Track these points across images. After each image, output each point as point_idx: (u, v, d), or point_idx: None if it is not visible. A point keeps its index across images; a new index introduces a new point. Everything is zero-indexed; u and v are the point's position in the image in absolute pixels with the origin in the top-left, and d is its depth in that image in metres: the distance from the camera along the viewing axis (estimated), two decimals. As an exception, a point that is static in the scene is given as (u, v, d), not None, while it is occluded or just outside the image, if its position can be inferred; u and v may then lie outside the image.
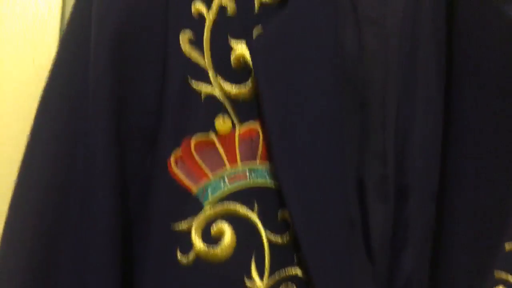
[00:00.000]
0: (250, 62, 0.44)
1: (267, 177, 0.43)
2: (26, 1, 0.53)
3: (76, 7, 0.44)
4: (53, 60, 0.44)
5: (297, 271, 0.42)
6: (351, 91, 0.47)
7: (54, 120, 0.42)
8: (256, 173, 0.43)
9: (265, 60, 0.41)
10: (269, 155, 0.43)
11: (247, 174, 0.43)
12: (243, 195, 0.42)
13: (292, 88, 0.41)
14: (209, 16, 0.44)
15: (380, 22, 0.49)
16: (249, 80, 0.44)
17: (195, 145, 0.42)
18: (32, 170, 0.43)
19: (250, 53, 0.41)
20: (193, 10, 0.44)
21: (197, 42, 0.43)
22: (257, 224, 0.42)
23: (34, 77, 0.53)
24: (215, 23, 0.44)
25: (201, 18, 0.44)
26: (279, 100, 0.41)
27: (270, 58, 0.41)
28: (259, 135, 0.44)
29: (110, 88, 0.40)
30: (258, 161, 0.43)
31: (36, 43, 0.54)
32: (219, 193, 0.42)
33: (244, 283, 0.41)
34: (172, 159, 0.42)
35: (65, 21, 0.51)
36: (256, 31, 0.45)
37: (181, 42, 0.43)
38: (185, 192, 0.42)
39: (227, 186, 0.42)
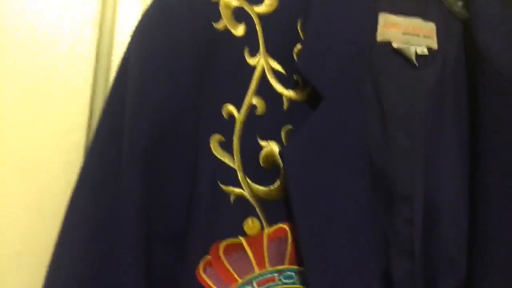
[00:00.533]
0: (279, 161, 0.44)
1: (295, 279, 0.42)
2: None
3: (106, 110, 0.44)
4: (86, 154, 0.43)
5: None
6: (379, 187, 0.47)
7: (82, 225, 0.42)
8: (284, 275, 0.43)
9: (295, 164, 0.41)
10: (298, 257, 0.42)
11: (276, 277, 0.42)
12: (272, 299, 0.42)
13: (322, 191, 0.41)
14: (240, 117, 0.44)
15: (405, 118, 0.49)
16: (278, 181, 0.44)
17: (224, 249, 0.42)
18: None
19: (281, 158, 0.41)
20: (224, 111, 0.44)
21: (227, 144, 0.43)
22: None
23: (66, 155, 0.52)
24: (245, 123, 0.44)
25: (231, 119, 0.44)
26: (309, 203, 0.41)
27: (301, 162, 0.41)
28: (287, 236, 0.43)
29: (140, 199, 0.40)
30: (286, 262, 0.43)
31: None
32: (248, 298, 0.42)
33: None
34: (201, 265, 0.41)
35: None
36: (285, 130, 0.45)
37: (211, 145, 0.43)
38: (214, 298, 0.41)
39: (256, 290, 0.42)
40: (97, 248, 0.40)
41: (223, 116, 0.44)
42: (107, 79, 0.51)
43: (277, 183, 0.44)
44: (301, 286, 0.42)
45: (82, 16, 0.50)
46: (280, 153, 0.41)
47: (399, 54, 0.53)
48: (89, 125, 0.50)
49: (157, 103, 0.41)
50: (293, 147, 0.41)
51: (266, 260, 0.42)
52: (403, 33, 0.54)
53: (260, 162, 0.44)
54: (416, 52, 0.54)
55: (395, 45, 0.53)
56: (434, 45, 0.55)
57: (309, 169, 0.41)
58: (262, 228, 0.43)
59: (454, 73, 0.55)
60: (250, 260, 0.42)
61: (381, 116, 0.51)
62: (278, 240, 0.43)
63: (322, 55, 0.43)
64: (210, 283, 0.41)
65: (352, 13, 0.46)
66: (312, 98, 0.45)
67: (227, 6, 0.45)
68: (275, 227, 0.43)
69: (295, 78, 0.46)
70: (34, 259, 0.46)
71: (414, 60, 0.53)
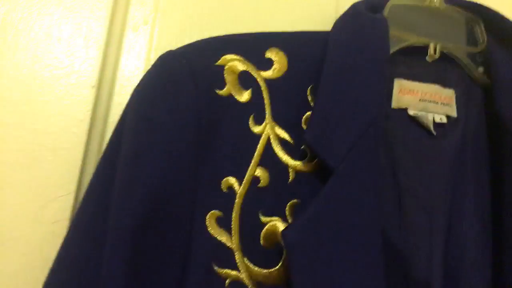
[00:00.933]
0: (282, 241, 0.39)
1: None
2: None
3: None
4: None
5: None
6: (394, 271, 0.42)
7: None
8: None
9: (299, 249, 0.36)
10: None
11: None
12: None
13: (329, 281, 0.36)
14: (241, 190, 0.40)
15: (422, 193, 0.45)
16: (280, 262, 0.39)
17: None
18: None
19: (284, 240, 0.36)
20: (223, 185, 0.40)
21: (225, 221, 0.39)
22: None
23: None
24: (246, 197, 0.40)
25: (231, 192, 0.40)
26: None
27: (305, 247, 0.36)
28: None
29: (122, 285, 0.36)
30: None
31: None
32: None
33: None
34: None
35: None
36: (290, 205, 0.41)
37: (207, 222, 0.39)
38: None
39: None
40: None
41: (222, 189, 0.40)
42: (100, 143, 0.48)
43: (278, 266, 0.39)
44: None
45: (81, 76, 0.48)
46: (282, 234, 0.36)
47: (416, 121, 0.50)
48: (77, 193, 0.47)
49: (148, 178, 0.37)
50: (297, 228, 0.37)
51: None
52: (420, 100, 0.51)
53: (261, 241, 0.39)
54: (434, 120, 0.51)
55: (411, 112, 0.50)
56: (453, 113, 0.51)
57: (314, 255, 0.36)
58: (261, 317, 0.38)
59: (475, 142, 0.51)
60: None
61: (396, 191, 0.47)
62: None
63: (332, 126, 0.40)
64: None
65: (365, 80, 0.43)
66: (321, 170, 0.41)
67: (233, 71, 0.42)
68: (275, 317, 0.38)
69: (302, 148, 0.42)
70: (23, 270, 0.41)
71: (432, 129, 0.49)
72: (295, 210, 0.41)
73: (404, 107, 0.50)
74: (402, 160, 0.48)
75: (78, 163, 0.45)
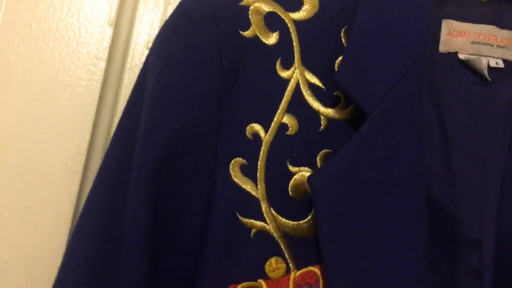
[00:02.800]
0: (308, 188, 0.37)
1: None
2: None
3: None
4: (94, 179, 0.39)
5: None
6: (439, 229, 0.38)
7: (85, 252, 0.37)
8: (313, 329, 0.35)
9: (328, 196, 0.33)
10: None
11: (302, 331, 0.35)
12: None
13: (362, 232, 0.33)
14: (267, 138, 0.38)
15: (474, 145, 0.40)
16: (310, 216, 0.37)
17: (241, 294, 0.36)
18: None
19: (310, 187, 0.34)
20: (248, 131, 0.38)
21: (250, 169, 0.37)
22: None
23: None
24: (273, 145, 0.38)
25: (257, 140, 0.38)
26: (344, 246, 0.33)
27: (335, 194, 0.33)
28: (319, 282, 0.36)
29: (146, 231, 0.35)
30: (316, 313, 0.35)
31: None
32: None
33: None
34: None
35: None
36: (321, 154, 0.38)
37: (231, 170, 0.37)
38: None
39: None
40: (97, 284, 0.35)
41: (247, 136, 0.38)
42: (118, 82, 0.47)
43: (308, 217, 0.37)
44: None
45: (100, 16, 0.47)
46: (308, 180, 0.34)
47: (467, 67, 0.45)
48: (93, 131, 0.46)
49: (168, 122, 0.36)
50: (326, 174, 0.34)
51: (292, 309, 0.35)
52: (472, 42, 0.45)
53: (289, 192, 0.37)
54: (488, 65, 0.45)
55: (461, 56, 0.45)
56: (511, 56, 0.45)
57: (345, 204, 0.33)
58: (288, 270, 0.36)
59: None
60: (272, 309, 0.35)
61: (444, 142, 0.42)
62: (307, 286, 0.36)
63: (368, 66, 0.36)
64: (224, 328, 0.35)
65: (407, 19, 0.38)
66: (357, 117, 0.38)
67: (258, 11, 0.39)
68: (304, 270, 0.36)
69: (336, 94, 0.39)
70: (21, 268, 0.42)
71: (486, 74, 0.44)
72: (326, 159, 0.38)
73: (453, 50, 0.45)
74: (451, 108, 0.43)
75: (94, 102, 0.45)
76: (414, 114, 0.37)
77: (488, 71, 0.44)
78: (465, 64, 0.44)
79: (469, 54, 0.45)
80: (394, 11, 0.39)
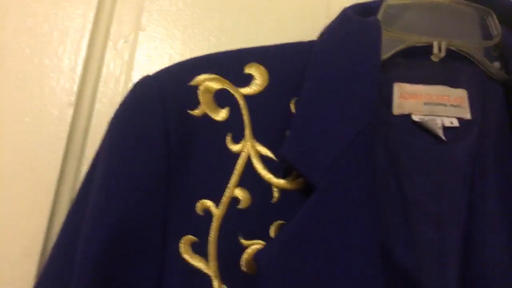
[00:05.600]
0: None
1: None
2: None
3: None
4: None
5: None
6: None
7: None
8: None
9: (275, 275, 0.33)
10: None
11: None
12: None
13: None
14: (218, 213, 0.38)
15: (432, 206, 0.41)
16: (263, 289, 0.37)
17: None
18: None
19: (257, 266, 0.34)
20: (198, 208, 0.39)
21: (201, 246, 0.37)
22: None
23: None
24: (225, 220, 0.38)
25: (208, 216, 0.38)
26: None
27: (282, 272, 0.33)
28: None
29: None
30: None
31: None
32: None
33: None
34: None
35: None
36: (275, 226, 0.38)
37: (181, 248, 0.37)
38: None
39: None
40: None
41: (197, 213, 0.38)
42: (78, 164, 0.48)
43: (264, 292, 0.37)
44: None
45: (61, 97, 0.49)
46: (255, 257, 0.34)
47: (422, 128, 0.45)
48: (52, 213, 0.47)
49: (115, 208, 0.36)
50: (272, 249, 0.34)
51: None
52: (425, 103, 0.46)
53: (242, 267, 0.37)
54: (443, 124, 0.46)
55: (415, 117, 0.46)
56: (466, 115, 0.46)
57: (292, 280, 0.33)
58: None
59: (500, 143, 0.45)
60: None
61: (402, 205, 0.42)
62: None
63: (314, 138, 0.37)
64: None
65: (353, 89, 0.40)
66: (309, 187, 0.38)
67: (208, 90, 0.41)
68: None
69: (286, 165, 0.40)
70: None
71: (441, 134, 0.45)
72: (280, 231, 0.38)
73: (407, 112, 0.46)
74: (408, 170, 0.43)
75: (54, 184, 0.46)
76: (363, 182, 0.37)
77: (444, 131, 0.45)
78: (420, 125, 0.45)
79: (423, 115, 0.46)
80: (340, 82, 0.40)
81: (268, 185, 0.39)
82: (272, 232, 0.38)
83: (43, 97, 0.48)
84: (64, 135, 0.46)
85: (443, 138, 0.45)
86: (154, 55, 0.50)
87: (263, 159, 0.40)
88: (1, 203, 0.46)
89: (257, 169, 0.39)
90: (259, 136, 0.40)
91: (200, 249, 0.37)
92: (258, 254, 0.34)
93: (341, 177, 0.36)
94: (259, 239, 0.38)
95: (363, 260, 0.35)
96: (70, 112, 0.47)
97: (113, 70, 0.48)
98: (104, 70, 0.49)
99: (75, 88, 0.47)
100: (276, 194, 0.39)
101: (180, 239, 0.37)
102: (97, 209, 0.36)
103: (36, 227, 0.46)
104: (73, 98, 0.47)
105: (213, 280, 0.37)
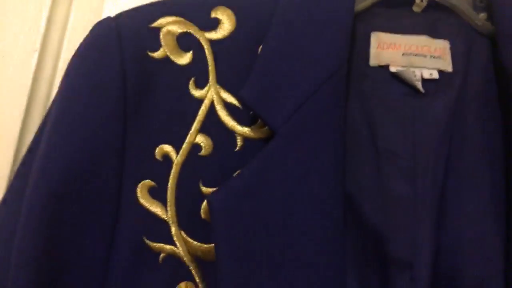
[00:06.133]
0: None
1: None
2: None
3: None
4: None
5: None
6: (369, 249, 0.37)
7: None
8: None
9: (227, 219, 0.32)
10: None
11: None
12: None
13: (267, 257, 0.32)
14: (178, 159, 0.37)
15: (406, 160, 0.39)
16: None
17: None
18: None
19: (209, 208, 0.32)
20: (157, 152, 0.37)
21: (159, 191, 0.36)
22: None
23: None
24: (185, 166, 0.37)
25: (167, 161, 0.37)
26: (244, 275, 0.31)
27: (235, 217, 0.32)
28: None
29: (37, 259, 0.33)
30: None
31: None
32: None
33: None
34: None
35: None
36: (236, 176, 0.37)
37: (138, 193, 0.36)
38: None
39: None
40: None
41: (156, 158, 0.37)
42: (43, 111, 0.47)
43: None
44: None
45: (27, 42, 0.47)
46: (207, 199, 0.33)
47: (400, 79, 0.43)
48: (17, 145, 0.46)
49: (66, 149, 0.35)
50: (226, 192, 0.33)
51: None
52: (404, 54, 0.44)
53: (202, 214, 0.36)
54: (422, 76, 0.44)
55: (393, 68, 0.44)
56: (448, 67, 0.44)
57: (246, 224, 0.32)
58: (200, 295, 0.35)
59: (481, 97, 0.43)
60: (180, 337, 0.34)
61: (374, 157, 0.41)
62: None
63: (277, 83, 0.35)
64: None
65: (323, 34, 0.38)
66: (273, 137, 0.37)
67: (171, 32, 0.39)
68: (217, 294, 0.35)
69: (252, 112, 0.38)
70: None
71: (419, 86, 0.43)
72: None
73: (384, 63, 0.44)
74: (382, 122, 0.42)
75: (16, 134, 0.45)
76: (328, 130, 0.36)
77: (423, 83, 0.43)
78: (397, 77, 0.43)
79: (401, 66, 0.44)
80: (309, 26, 0.38)
81: (231, 133, 0.38)
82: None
83: (6, 44, 0.46)
84: (28, 82, 0.45)
85: (422, 90, 0.43)
86: (123, 1, 0.48)
87: (227, 106, 0.38)
88: None
89: (221, 116, 0.38)
90: (223, 83, 0.39)
91: (158, 195, 0.36)
92: (211, 196, 0.32)
93: (304, 124, 0.35)
94: (219, 185, 0.36)
95: (324, 210, 0.34)
96: (34, 59, 0.46)
97: (81, 17, 0.46)
98: (72, 16, 0.47)
99: (40, 35, 0.45)
100: (239, 142, 0.38)
101: (137, 184, 0.36)
102: (47, 150, 0.35)
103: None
104: (38, 45, 0.45)
105: (171, 226, 0.36)
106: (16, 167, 0.45)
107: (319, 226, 0.33)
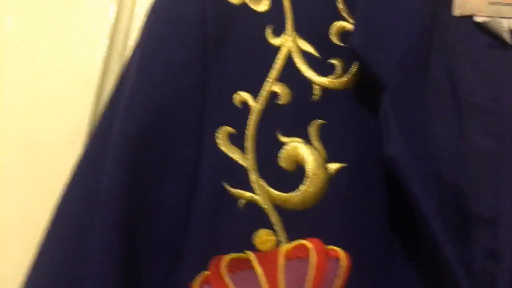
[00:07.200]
0: (305, 162, 0.35)
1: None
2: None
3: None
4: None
5: None
6: (450, 206, 0.35)
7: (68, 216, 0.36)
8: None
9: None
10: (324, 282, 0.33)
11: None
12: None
13: None
14: (257, 106, 0.37)
15: (491, 114, 0.37)
16: (302, 186, 0.35)
17: (227, 265, 0.35)
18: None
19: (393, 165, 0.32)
20: (235, 98, 0.37)
21: (238, 138, 0.36)
22: None
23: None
24: (263, 114, 0.36)
25: (246, 108, 0.37)
26: None
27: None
28: (308, 256, 0.34)
29: (124, 196, 0.34)
30: (307, 288, 0.34)
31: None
32: (254, 329, 0.33)
33: None
34: (196, 283, 0.34)
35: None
36: (314, 125, 0.36)
37: (218, 139, 0.36)
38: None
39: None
40: (73, 250, 0.35)
41: (235, 104, 0.37)
42: (121, 57, 0.48)
43: (301, 189, 0.35)
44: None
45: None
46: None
47: (484, 30, 0.41)
48: (95, 103, 0.47)
49: (153, 89, 0.36)
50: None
51: (281, 284, 0.34)
52: (490, 3, 0.41)
53: (280, 162, 0.36)
54: (510, 28, 0.41)
55: (478, 19, 0.41)
56: (538, 17, 0.41)
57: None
58: (279, 243, 0.34)
59: None
60: (260, 282, 0.34)
61: (457, 112, 0.39)
62: (297, 261, 0.34)
63: (381, 35, 0.34)
64: (207, 307, 0.34)
65: None
66: (356, 87, 0.36)
67: (249, -23, 0.38)
68: (296, 243, 0.34)
69: (331, 62, 0.37)
70: (30, 234, 0.43)
71: (507, 37, 0.40)
72: (321, 131, 0.36)
73: (469, 13, 0.41)
74: (466, 75, 0.39)
75: (95, 84, 0.46)
76: (422, 86, 0.34)
77: (510, 34, 0.40)
78: (482, 28, 0.41)
79: (487, 16, 0.41)
80: None
81: (308, 83, 0.37)
82: (311, 131, 0.36)
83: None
84: (106, 33, 0.46)
85: (509, 42, 0.40)
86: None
87: (305, 55, 0.37)
88: (44, 100, 0.47)
89: (298, 65, 0.37)
90: (301, 31, 0.38)
91: (237, 142, 0.36)
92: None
93: (406, 78, 0.34)
94: (297, 136, 0.36)
95: None
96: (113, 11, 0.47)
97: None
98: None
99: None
100: (317, 92, 0.37)
101: (217, 129, 0.36)
102: (132, 91, 0.35)
103: (78, 126, 0.46)
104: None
105: (251, 173, 0.35)
106: (95, 116, 0.46)
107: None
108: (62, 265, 0.34)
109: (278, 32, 0.37)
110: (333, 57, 0.37)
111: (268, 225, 0.35)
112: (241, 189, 0.35)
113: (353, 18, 0.37)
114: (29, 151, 0.46)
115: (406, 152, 0.31)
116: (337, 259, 0.34)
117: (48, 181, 0.45)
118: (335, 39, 0.38)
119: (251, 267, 0.34)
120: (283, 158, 0.36)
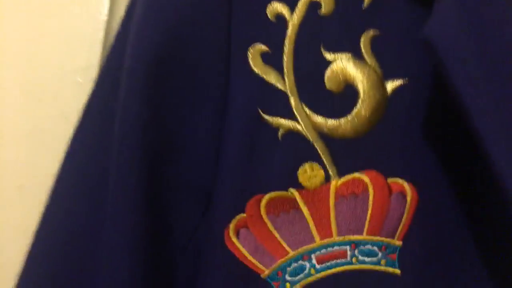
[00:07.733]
0: (355, 81, 0.29)
1: (381, 257, 0.28)
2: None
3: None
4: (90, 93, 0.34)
5: None
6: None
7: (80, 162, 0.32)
8: (362, 250, 0.28)
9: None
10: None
11: (348, 251, 0.28)
12: (341, 284, 0.28)
13: None
14: (294, 19, 0.30)
15: None
16: (355, 108, 0.29)
17: (268, 206, 0.29)
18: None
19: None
20: (268, 12, 0.31)
21: (274, 58, 0.30)
22: None
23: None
24: (302, 28, 0.30)
25: (282, 22, 0.31)
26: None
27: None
28: (367, 191, 0.28)
29: (140, 131, 0.29)
30: (366, 231, 0.28)
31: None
32: (302, 279, 0.28)
33: None
34: (232, 227, 0.29)
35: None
36: (366, 36, 0.30)
37: (250, 59, 0.30)
38: (250, 274, 0.29)
39: (315, 269, 0.28)
40: (87, 203, 0.30)
41: (268, 18, 0.31)
42: None
43: (352, 114, 0.29)
44: (390, 268, 0.27)
45: None
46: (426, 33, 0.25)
47: None
48: (104, 43, 0.42)
49: (168, 4, 0.30)
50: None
51: (333, 225, 0.28)
52: None
53: (325, 84, 0.30)
54: None
55: None
56: None
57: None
58: (328, 178, 0.29)
59: None
60: (307, 224, 0.29)
61: None
62: (352, 198, 0.29)
63: None
64: (244, 251, 0.29)
65: None
66: None
67: None
68: (348, 177, 0.29)
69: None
70: (34, 193, 0.39)
71: None
72: (374, 43, 0.30)
73: None
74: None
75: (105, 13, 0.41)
76: None
77: None
78: None
79: None
80: None
81: None
82: (362, 43, 0.30)
83: None
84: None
85: None
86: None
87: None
88: (52, 35, 0.42)
89: (343, -33, 0.30)
90: None
91: (273, 62, 0.30)
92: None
93: None
94: (346, 51, 0.29)
95: None
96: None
97: None
98: None
99: None
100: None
101: (248, 49, 0.30)
102: (144, 7, 0.29)
103: (88, 61, 0.41)
104: None
105: (290, 98, 0.30)
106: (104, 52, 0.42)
107: None
108: (78, 216, 0.30)
109: None
110: None
111: (314, 158, 0.29)
112: (280, 116, 0.30)
113: None
114: (34, 97, 0.42)
115: (457, 35, 0.24)
116: (402, 193, 0.28)
117: (55, 127, 0.41)
118: None
119: (296, 208, 0.29)
120: (329, 78, 0.30)
